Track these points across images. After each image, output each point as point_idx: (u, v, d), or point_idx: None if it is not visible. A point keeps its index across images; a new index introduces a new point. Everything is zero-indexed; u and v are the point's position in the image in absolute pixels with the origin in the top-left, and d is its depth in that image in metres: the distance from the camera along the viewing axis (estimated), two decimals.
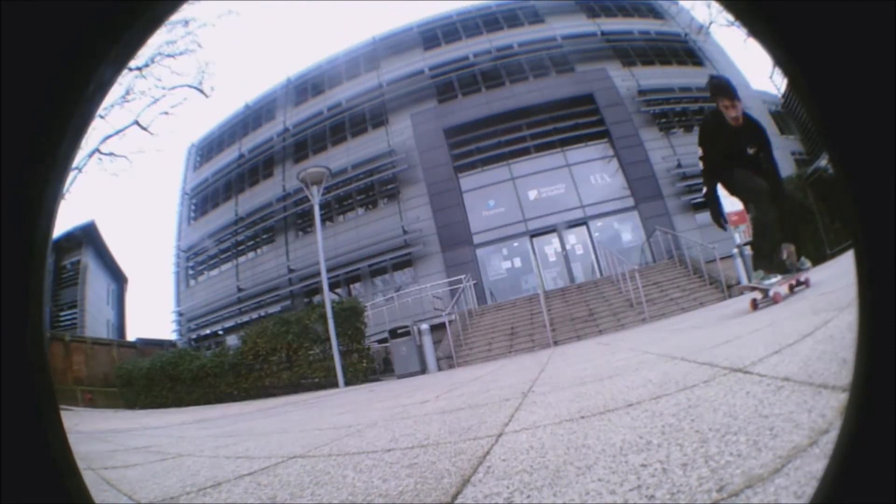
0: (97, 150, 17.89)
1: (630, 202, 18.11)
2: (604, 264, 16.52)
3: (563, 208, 18.33)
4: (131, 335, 24.05)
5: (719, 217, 4.35)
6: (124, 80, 16.88)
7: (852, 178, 0.35)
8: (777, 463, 0.73)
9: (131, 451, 3.01)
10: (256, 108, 24.80)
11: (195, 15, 18.55)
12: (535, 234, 18.29)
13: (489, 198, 18.90)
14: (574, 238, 18.36)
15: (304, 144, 22.08)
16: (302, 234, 20.67)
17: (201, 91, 19.70)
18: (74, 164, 0.48)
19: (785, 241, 4.39)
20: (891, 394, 0.34)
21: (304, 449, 1.98)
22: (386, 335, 11.98)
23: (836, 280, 3.91)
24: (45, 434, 0.38)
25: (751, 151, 4.21)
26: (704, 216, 4.57)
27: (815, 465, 0.69)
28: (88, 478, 0.57)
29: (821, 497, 0.39)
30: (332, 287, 16.47)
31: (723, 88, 4.16)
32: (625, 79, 19.66)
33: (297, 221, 20.94)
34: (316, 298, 17.21)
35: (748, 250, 8.98)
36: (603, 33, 20.89)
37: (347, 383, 10.23)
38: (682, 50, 21.34)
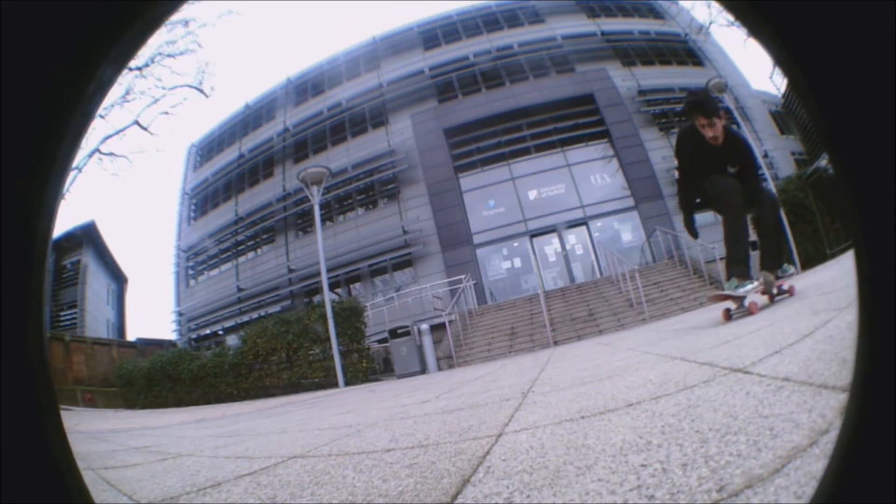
0: (97, 150, 17.95)
1: (630, 202, 18.13)
2: (604, 264, 16.54)
3: (563, 208, 18.34)
4: (131, 335, 24.17)
5: (691, 225, 4.09)
6: (124, 80, 16.92)
7: (852, 178, 0.35)
8: (777, 463, 0.73)
9: (131, 451, 3.01)
10: (256, 108, 24.82)
11: (195, 15, 18.64)
12: (535, 234, 18.30)
13: (489, 198, 18.90)
14: (574, 238, 18.36)
15: (304, 144, 22.10)
16: (302, 234, 20.68)
17: (201, 91, 19.76)
18: (74, 164, 0.48)
19: (763, 268, 3.88)
20: (891, 394, 0.34)
21: (304, 449, 1.97)
22: (386, 335, 11.98)
23: (834, 282, 3.88)
24: (45, 434, 0.38)
25: (732, 170, 3.78)
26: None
27: (815, 465, 0.69)
28: (88, 478, 0.57)
29: (821, 497, 0.39)
30: (332, 287, 16.49)
31: (698, 106, 3.67)
32: (625, 79, 19.67)
33: (297, 221, 20.95)
34: (316, 298, 17.23)
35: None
36: (603, 33, 20.91)
37: (347, 383, 10.23)
38: (682, 50, 21.36)
